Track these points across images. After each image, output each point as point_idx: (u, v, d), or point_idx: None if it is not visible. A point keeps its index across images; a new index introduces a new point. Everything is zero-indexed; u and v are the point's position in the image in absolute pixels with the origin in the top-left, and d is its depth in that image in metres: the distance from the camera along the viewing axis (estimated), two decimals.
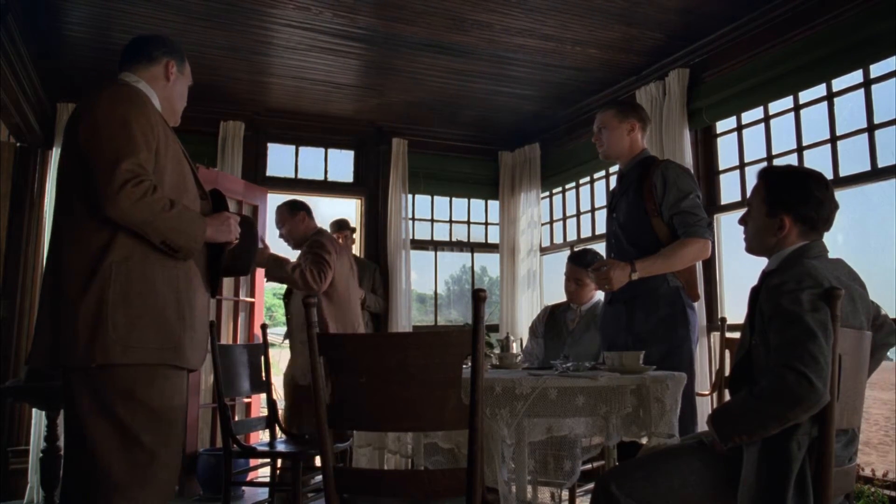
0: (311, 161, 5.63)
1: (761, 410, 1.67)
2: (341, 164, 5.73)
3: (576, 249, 4.94)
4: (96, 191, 1.68)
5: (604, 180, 5.22)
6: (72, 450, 1.75)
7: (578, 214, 5.53)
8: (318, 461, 3.32)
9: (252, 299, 5.11)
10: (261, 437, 4.68)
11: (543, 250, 5.77)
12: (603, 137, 2.94)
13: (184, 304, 1.84)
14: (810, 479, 1.65)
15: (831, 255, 1.89)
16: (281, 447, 3.17)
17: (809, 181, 1.86)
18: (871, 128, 3.26)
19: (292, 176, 5.56)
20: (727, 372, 3.19)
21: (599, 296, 3.62)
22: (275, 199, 5.47)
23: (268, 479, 3.52)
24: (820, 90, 3.51)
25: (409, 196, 5.63)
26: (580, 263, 3.62)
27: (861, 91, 3.32)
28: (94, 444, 1.69)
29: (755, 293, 1.88)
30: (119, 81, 1.94)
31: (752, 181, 2.00)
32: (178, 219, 1.77)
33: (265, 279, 3.61)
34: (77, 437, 1.72)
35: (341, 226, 5.17)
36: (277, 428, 3.38)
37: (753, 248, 1.97)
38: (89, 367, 1.69)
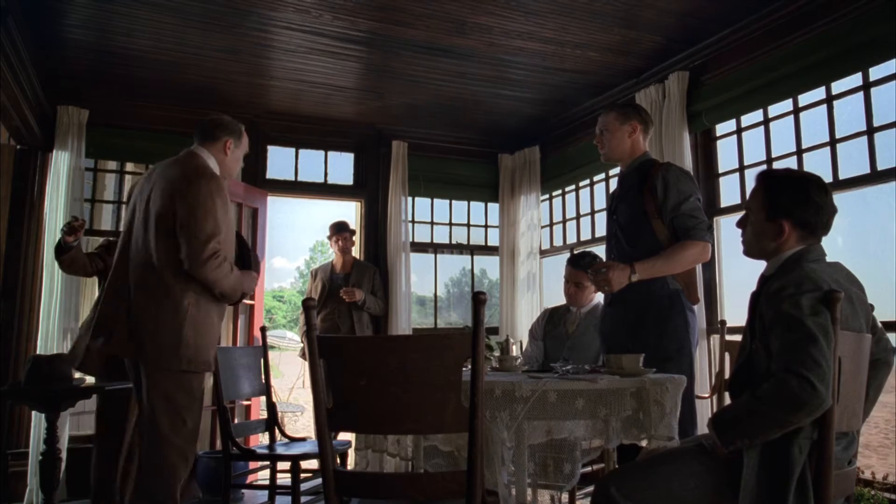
0: (311, 163, 5.64)
1: (764, 414, 1.67)
2: (341, 167, 5.73)
3: (575, 252, 4.94)
4: (188, 255, 2.47)
5: (603, 183, 5.22)
6: (143, 419, 2.58)
7: (578, 217, 5.53)
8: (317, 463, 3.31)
9: (251, 302, 5.11)
10: (260, 440, 4.67)
11: (543, 253, 5.77)
12: (604, 139, 2.95)
13: (220, 332, 2.70)
14: (811, 482, 1.65)
15: (830, 258, 1.89)
16: (281, 450, 3.17)
17: (809, 186, 1.86)
18: (870, 130, 3.26)
19: (292, 178, 5.56)
20: (727, 375, 3.19)
21: (599, 298, 3.63)
22: (275, 202, 5.50)
23: (267, 482, 3.51)
24: (819, 93, 3.51)
25: (409, 199, 5.63)
26: (579, 266, 3.62)
27: (860, 94, 3.32)
28: (155, 417, 2.49)
29: (755, 298, 1.88)
30: (200, 160, 2.69)
31: (751, 184, 1.99)
32: (234, 279, 2.59)
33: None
34: (145, 410, 2.54)
35: (341, 228, 5.17)
36: (277, 430, 3.38)
37: (752, 251, 1.97)
38: (168, 370, 2.48)
